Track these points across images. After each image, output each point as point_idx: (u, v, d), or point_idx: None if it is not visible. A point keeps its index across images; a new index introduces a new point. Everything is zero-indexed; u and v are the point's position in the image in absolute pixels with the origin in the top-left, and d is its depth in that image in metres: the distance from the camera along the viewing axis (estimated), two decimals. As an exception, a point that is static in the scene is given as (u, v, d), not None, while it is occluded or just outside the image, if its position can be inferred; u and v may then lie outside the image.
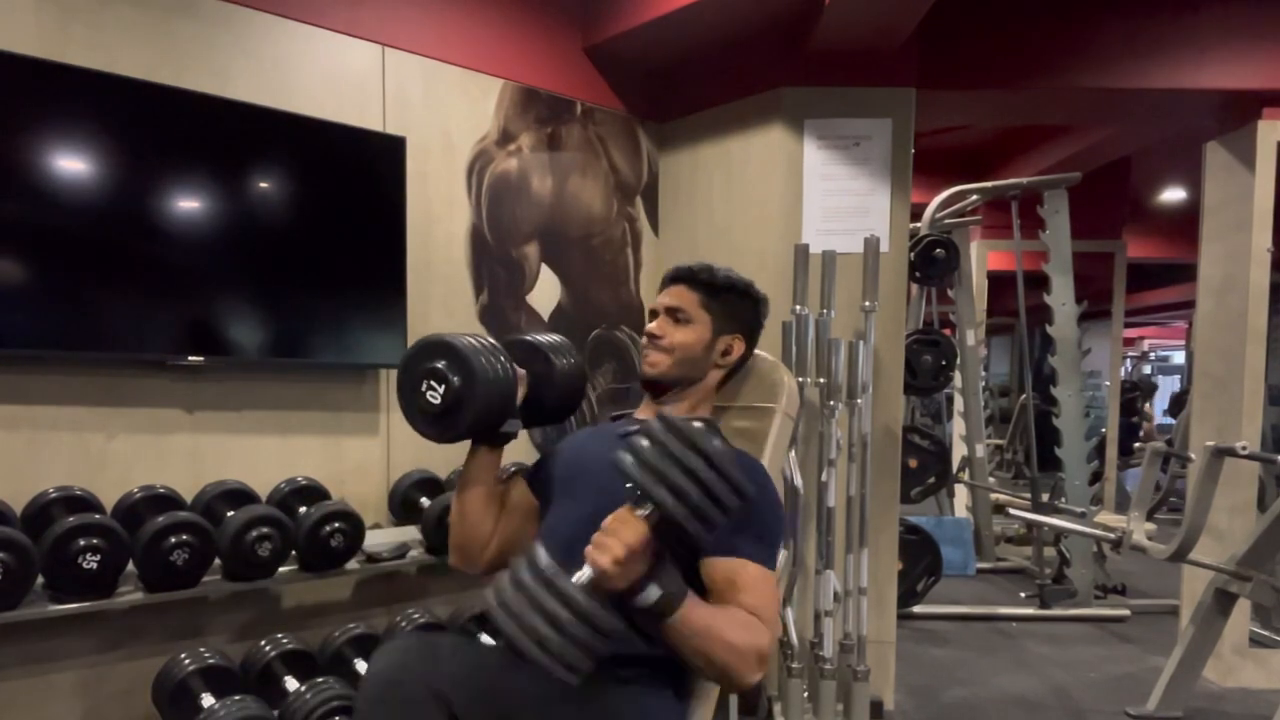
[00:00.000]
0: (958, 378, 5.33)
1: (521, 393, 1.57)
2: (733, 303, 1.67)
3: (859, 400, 2.81)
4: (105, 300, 2.20)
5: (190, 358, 2.29)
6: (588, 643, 1.04)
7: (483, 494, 1.57)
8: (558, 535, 1.40)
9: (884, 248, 3.02)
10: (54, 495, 2.11)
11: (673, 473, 1.09)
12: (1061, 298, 4.73)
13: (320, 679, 2.09)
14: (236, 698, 1.97)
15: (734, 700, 2.73)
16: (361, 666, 2.31)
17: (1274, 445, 4.99)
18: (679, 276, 1.67)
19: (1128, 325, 11.07)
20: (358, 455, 2.73)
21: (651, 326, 1.64)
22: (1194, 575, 3.51)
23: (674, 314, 1.63)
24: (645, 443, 1.12)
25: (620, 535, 1.11)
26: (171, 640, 2.28)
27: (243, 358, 2.45)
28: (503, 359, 1.52)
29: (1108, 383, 7.08)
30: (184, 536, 2.05)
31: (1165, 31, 3.39)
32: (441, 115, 2.90)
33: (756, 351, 1.78)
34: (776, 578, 1.39)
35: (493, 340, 1.56)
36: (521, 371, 1.58)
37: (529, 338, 1.67)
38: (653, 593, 1.14)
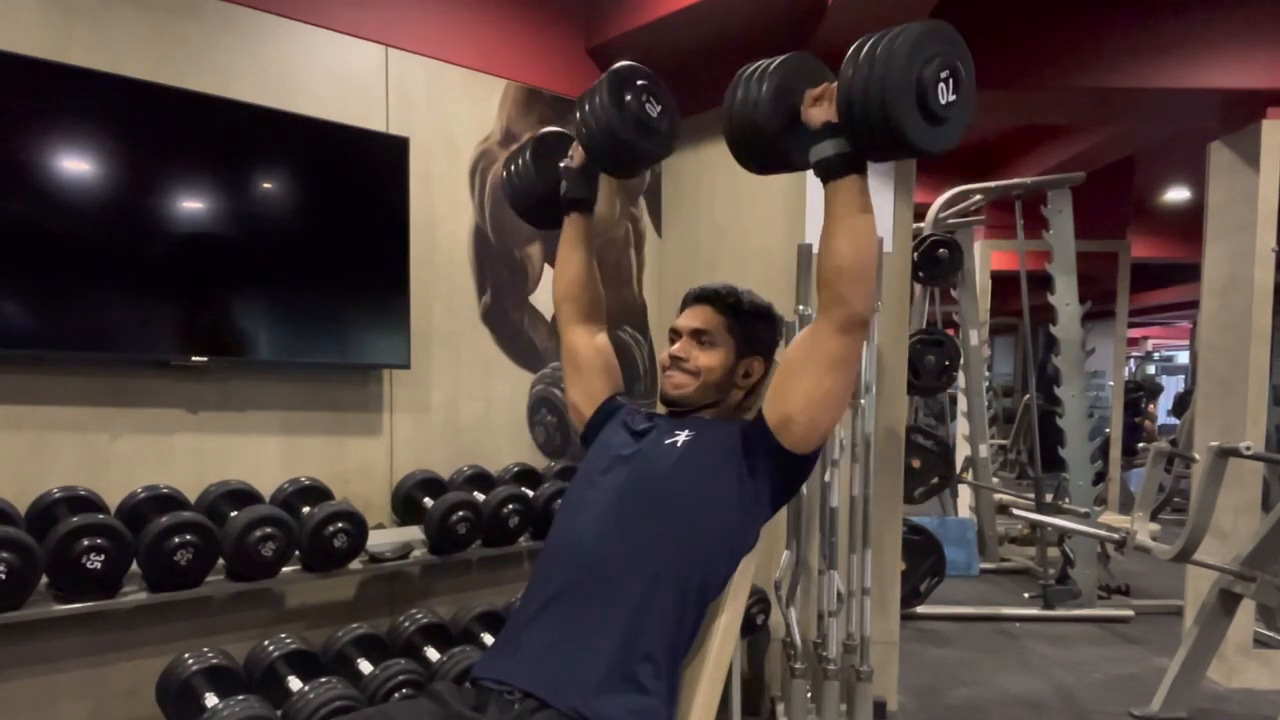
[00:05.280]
0: (961, 378, 5.33)
1: (580, 158, 1.75)
2: (756, 326, 1.65)
3: (862, 400, 2.80)
4: (109, 300, 2.20)
5: (194, 358, 2.30)
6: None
7: (570, 240, 1.84)
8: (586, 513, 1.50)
9: (888, 248, 3.01)
10: (58, 495, 2.11)
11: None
12: (1065, 298, 4.72)
13: (323, 679, 2.08)
14: (240, 697, 1.97)
15: (736, 701, 2.73)
16: (365, 666, 2.31)
17: (1278, 445, 4.98)
18: (704, 297, 1.65)
19: (1132, 325, 11.07)
20: (361, 455, 2.73)
21: (675, 348, 1.62)
22: (1198, 576, 3.50)
23: (699, 336, 1.61)
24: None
25: (828, 90, 1.37)
26: (175, 640, 2.29)
27: (246, 358, 2.45)
28: (518, 162, 1.87)
29: (1111, 383, 7.07)
30: (187, 536, 2.05)
31: (1169, 31, 3.39)
32: (445, 116, 2.90)
33: None
34: None
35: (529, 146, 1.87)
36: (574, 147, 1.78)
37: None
38: (842, 144, 1.36)
